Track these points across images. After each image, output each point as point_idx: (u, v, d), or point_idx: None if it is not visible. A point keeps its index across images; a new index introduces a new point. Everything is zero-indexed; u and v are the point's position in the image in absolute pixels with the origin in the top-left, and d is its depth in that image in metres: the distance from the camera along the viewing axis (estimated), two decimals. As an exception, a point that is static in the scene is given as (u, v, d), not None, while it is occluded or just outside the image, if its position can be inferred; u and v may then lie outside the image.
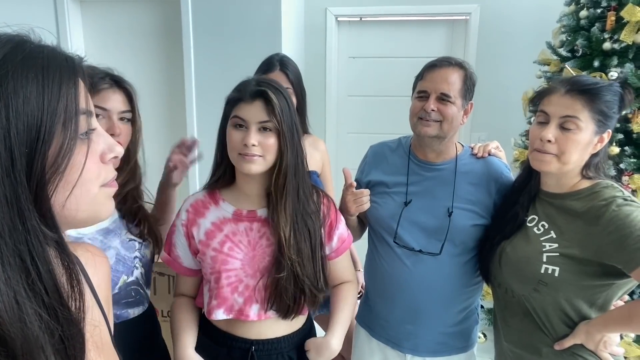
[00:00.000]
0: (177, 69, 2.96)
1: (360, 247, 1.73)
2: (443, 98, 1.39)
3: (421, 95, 1.43)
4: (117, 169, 1.21)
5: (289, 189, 1.22)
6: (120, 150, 0.63)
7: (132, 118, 1.29)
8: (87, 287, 0.71)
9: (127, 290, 1.29)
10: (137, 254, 1.34)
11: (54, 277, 0.53)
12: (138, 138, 1.33)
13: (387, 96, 3.56)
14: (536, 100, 1.32)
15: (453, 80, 1.39)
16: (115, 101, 1.24)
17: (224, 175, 1.29)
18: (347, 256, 1.41)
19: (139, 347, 1.32)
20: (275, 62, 1.85)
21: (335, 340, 1.28)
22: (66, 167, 0.53)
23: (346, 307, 1.36)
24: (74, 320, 0.55)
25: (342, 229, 1.37)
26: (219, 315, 1.24)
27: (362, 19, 3.59)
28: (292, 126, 1.21)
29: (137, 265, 1.33)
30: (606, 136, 1.24)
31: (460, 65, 1.42)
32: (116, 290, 1.24)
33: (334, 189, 2.02)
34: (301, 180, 1.25)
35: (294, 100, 1.85)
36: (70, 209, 0.57)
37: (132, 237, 1.34)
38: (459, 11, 3.40)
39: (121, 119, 1.25)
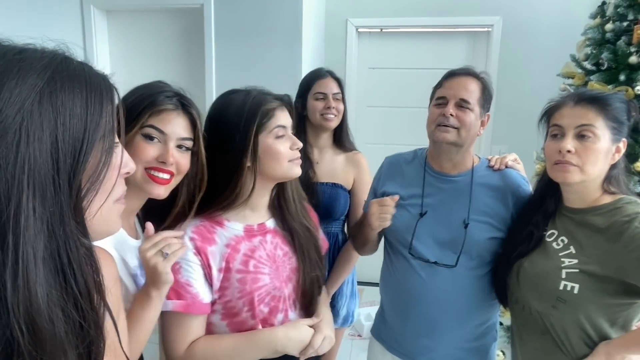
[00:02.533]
0: (199, 78, 3.00)
1: (372, 260, 1.72)
2: (462, 104, 1.38)
3: (439, 102, 1.42)
4: (166, 203, 1.14)
5: (288, 189, 1.29)
6: (132, 167, 0.65)
7: (194, 148, 1.13)
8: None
9: None
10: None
11: (87, 282, 0.55)
12: (199, 175, 1.15)
13: (407, 107, 3.56)
14: (546, 118, 1.32)
15: (472, 89, 1.39)
16: (176, 126, 1.08)
17: (247, 193, 1.19)
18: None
19: None
20: (325, 71, 1.95)
21: (327, 326, 1.29)
22: (103, 180, 0.56)
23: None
24: (99, 324, 0.57)
25: (320, 231, 1.42)
26: (259, 326, 1.21)
27: (383, 30, 3.60)
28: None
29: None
30: (622, 145, 1.23)
31: (478, 75, 1.43)
32: None
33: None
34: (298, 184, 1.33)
35: (342, 107, 1.94)
36: (95, 221, 0.59)
37: None
38: (480, 23, 3.39)
39: (179, 146, 1.10)
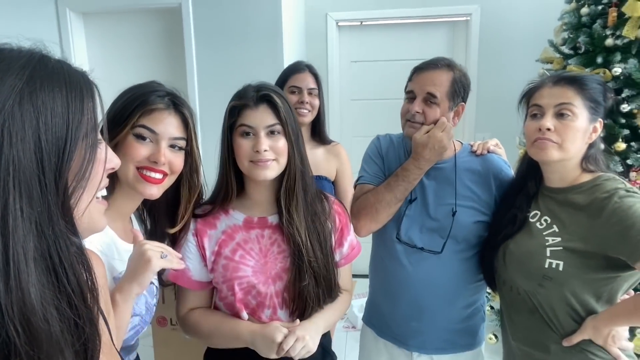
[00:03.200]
0: (180, 78, 2.98)
1: (364, 252, 1.72)
2: (429, 99, 1.39)
3: (409, 96, 1.44)
4: (158, 202, 1.16)
5: (299, 191, 1.22)
6: (117, 162, 0.66)
7: (188, 148, 1.13)
8: None
9: (137, 340, 1.21)
10: (154, 300, 1.22)
11: (79, 280, 0.56)
12: (194, 175, 1.17)
13: (390, 99, 3.57)
14: (525, 99, 1.35)
15: (440, 82, 1.39)
16: (168, 125, 1.08)
17: (233, 189, 1.23)
18: (350, 265, 1.40)
19: None
20: (303, 65, 1.95)
21: (302, 330, 1.16)
22: (89, 177, 0.57)
23: (337, 311, 1.32)
24: (94, 321, 0.58)
25: (352, 235, 1.37)
26: (244, 315, 1.22)
27: (363, 23, 3.61)
28: (295, 128, 1.21)
29: (153, 312, 1.21)
30: (599, 125, 1.26)
31: (448, 66, 1.42)
32: (133, 342, 1.15)
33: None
34: (308, 182, 1.26)
35: (318, 102, 1.91)
36: (83, 219, 0.59)
37: (152, 279, 1.20)
38: (459, 12, 3.42)
39: (172, 146, 1.09)
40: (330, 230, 1.28)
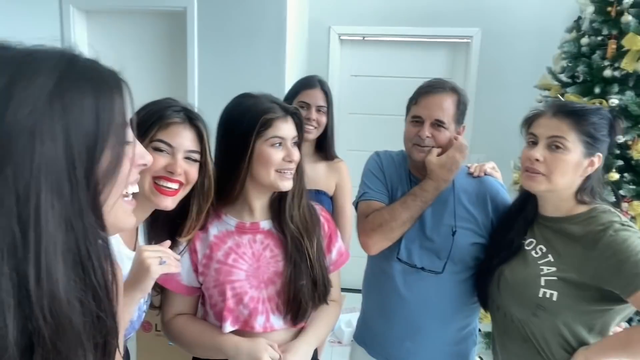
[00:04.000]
0: (181, 81, 2.97)
1: (352, 267, 1.71)
2: (437, 124, 1.40)
3: (416, 120, 1.45)
4: (174, 216, 1.19)
5: (304, 194, 1.30)
6: (149, 159, 0.67)
7: (202, 160, 1.17)
8: None
9: (125, 346, 1.21)
10: (145, 307, 1.24)
11: (104, 274, 0.57)
12: (207, 185, 1.20)
13: (388, 115, 3.59)
14: (526, 125, 1.35)
15: (447, 106, 1.41)
16: (184, 138, 1.13)
17: (240, 194, 1.25)
18: (339, 273, 1.43)
19: None
20: (316, 81, 1.94)
21: (293, 355, 1.21)
22: (119, 173, 0.58)
23: (327, 324, 1.36)
24: (115, 316, 0.60)
25: (340, 243, 1.41)
26: (227, 327, 1.21)
27: (365, 39, 3.63)
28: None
29: (142, 319, 1.23)
30: (596, 160, 1.26)
31: (453, 89, 1.44)
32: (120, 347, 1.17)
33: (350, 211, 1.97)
34: (304, 188, 1.32)
35: (325, 120, 1.93)
36: (111, 215, 0.61)
37: None
38: (460, 34, 3.46)
39: (187, 158, 1.13)
40: (321, 234, 1.32)
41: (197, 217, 1.22)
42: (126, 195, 0.66)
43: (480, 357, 2.55)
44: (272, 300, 1.24)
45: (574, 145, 1.22)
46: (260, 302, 1.23)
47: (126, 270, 1.11)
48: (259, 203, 1.28)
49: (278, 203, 1.28)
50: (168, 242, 1.14)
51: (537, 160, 1.24)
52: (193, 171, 1.15)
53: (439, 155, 1.40)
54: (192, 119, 1.16)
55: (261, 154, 1.20)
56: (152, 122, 1.11)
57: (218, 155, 1.26)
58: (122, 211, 0.64)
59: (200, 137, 1.16)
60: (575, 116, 1.24)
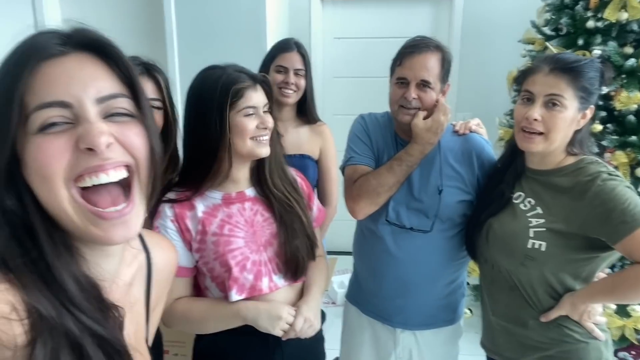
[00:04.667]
0: (160, 56, 2.89)
1: (343, 230, 1.74)
2: (423, 84, 1.39)
3: (401, 81, 1.43)
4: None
5: (282, 160, 1.33)
6: (98, 142, 0.56)
7: (164, 108, 1.22)
8: (143, 279, 0.77)
9: None
10: None
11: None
12: (172, 130, 1.25)
13: (373, 77, 3.54)
14: (520, 80, 1.34)
15: (432, 66, 1.39)
16: (144, 88, 1.17)
17: (225, 170, 1.23)
18: (319, 230, 1.50)
19: None
20: (292, 44, 1.90)
21: (308, 310, 1.25)
22: (28, 163, 0.56)
23: (324, 277, 1.41)
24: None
25: (317, 201, 1.47)
26: (233, 297, 1.21)
27: (347, -1, 3.55)
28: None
29: None
30: (589, 112, 1.26)
31: (437, 47, 1.42)
32: None
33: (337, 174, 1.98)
34: (281, 152, 1.36)
35: (304, 83, 1.89)
36: (51, 213, 0.59)
37: None
38: (443, -10, 3.39)
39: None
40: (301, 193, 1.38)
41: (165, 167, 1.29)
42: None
43: (469, 309, 2.64)
44: (272, 260, 1.27)
45: (571, 102, 1.22)
46: (262, 264, 1.25)
47: None
48: (241, 173, 1.28)
49: (257, 170, 1.30)
50: None
51: (536, 120, 1.23)
52: (156, 118, 1.21)
53: (425, 118, 1.40)
54: (150, 70, 1.22)
55: (236, 125, 1.19)
56: None
57: (190, 132, 1.23)
58: (82, 214, 0.59)
59: (159, 86, 1.22)
60: (572, 72, 1.22)
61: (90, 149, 0.57)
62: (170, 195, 1.25)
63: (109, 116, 0.60)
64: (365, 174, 1.47)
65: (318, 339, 1.41)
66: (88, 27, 0.63)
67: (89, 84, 0.59)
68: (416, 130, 1.40)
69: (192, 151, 1.25)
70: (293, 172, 1.41)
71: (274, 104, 1.86)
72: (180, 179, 1.29)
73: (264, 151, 1.24)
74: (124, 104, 0.62)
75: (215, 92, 1.18)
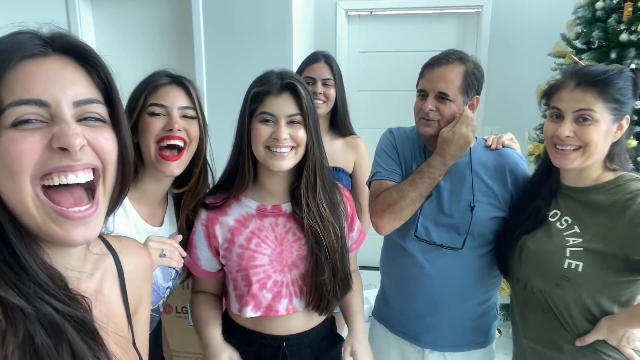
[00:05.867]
0: (188, 66, 2.95)
1: (369, 244, 1.71)
2: (441, 97, 1.37)
3: (421, 94, 1.43)
4: (185, 174, 1.23)
5: (319, 183, 1.22)
6: (73, 142, 0.58)
7: (197, 116, 1.21)
8: (114, 280, 0.76)
9: None
10: (170, 284, 1.29)
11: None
12: (204, 139, 1.24)
13: (398, 91, 3.54)
14: (547, 96, 1.31)
15: (451, 78, 1.37)
16: (174, 97, 1.17)
17: (250, 177, 1.23)
18: (355, 254, 1.46)
19: None
20: (320, 55, 1.93)
21: (363, 337, 1.31)
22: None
23: (361, 303, 1.40)
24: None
25: (358, 223, 1.40)
26: (248, 313, 1.21)
27: (373, 13, 3.57)
28: (315, 119, 1.20)
29: (165, 295, 1.28)
30: (625, 122, 1.22)
31: (460, 60, 1.39)
32: None
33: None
34: (326, 173, 1.26)
35: (334, 93, 1.89)
36: (13, 209, 0.59)
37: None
38: (470, 3, 3.38)
39: (183, 116, 1.18)
40: (344, 222, 1.29)
41: (189, 197, 1.27)
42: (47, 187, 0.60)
43: (498, 330, 2.56)
44: (296, 283, 1.23)
45: (602, 115, 1.18)
46: (284, 285, 1.23)
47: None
48: (275, 186, 1.25)
49: (297, 190, 1.23)
50: (179, 237, 1.19)
51: (568, 137, 1.20)
52: (192, 128, 1.19)
53: (434, 130, 1.38)
54: (178, 79, 1.21)
55: (253, 131, 1.18)
56: (141, 90, 1.17)
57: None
58: (45, 214, 0.60)
59: (190, 94, 1.20)
60: (600, 85, 1.18)
61: (63, 149, 0.58)
62: (208, 199, 1.27)
63: (82, 120, 0.62)
64: (388, 188, 1.45)
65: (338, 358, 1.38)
66: (68, 32, 0.65)
67: (67, 87, 0.61)
68: (440, 140, 1.38)
69: (230, 154, 1.25)
70: (342, 190, 1.33)
71: None
72: (220, 182, 1.29)
73: (278, 164, 1.16)
74: (98, 109, 0.64)
75: (246, 95, 1.20)
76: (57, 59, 0.62)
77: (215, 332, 1.26)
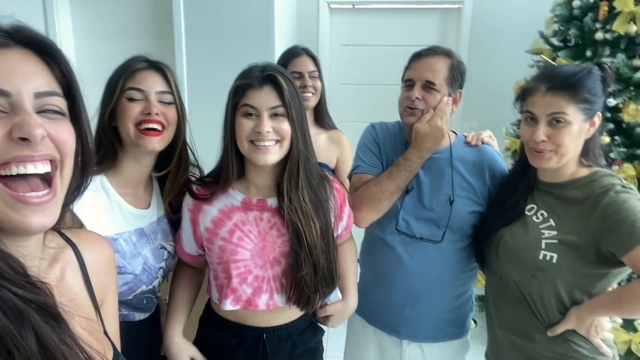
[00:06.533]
0: (168, 56, 2.90)
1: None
2: (428, 86, 1.39)
3: (408, 84, 1.44)
4: (162, 158, 1.25)
5: (303, 177, 1.20)
6: (35, 133, 0.58)
7: (174, 101, 1.22)
8: (77, 271, 0.76)
9: (140, 298, 1.26)
10: (163, 264, 1.30)
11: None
12: (182, 123, 1.26)
13: (380, 84, 3.55)
14: (521, 99, 1.34)
15: (438, 69, 1.39)
16: (152, 81, 1.19)
17: (233, 171, 1.22)
18: (352, 240, 1.50)
19: (139, 349, 1.28)
20: (300, 49, 1.93)
21: (353, 300, 1.39)
22: None
23: (353, 266, 1.44)
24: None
25: (347, 209, 1.39)
26: (227, 306, 1.22)
27: (355, 7, 3.56)
28: (300, 111, 1.18)
29: (159, 275, 1.29)
30: (597, 119, 1.26)
31: (446, 53, 1.43)
32: (130, 297, 1.21)
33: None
34: (312, 167, 1.23)
35: (320, 84, 1.91)
36: None
37: (164, 244, 1.31)
38: (452, 0, 3.39)
39: (160, 101, 1.20)
40: (331, 217, 1.28)
41: (172, 181, 1.28)
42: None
43: (474, 320, 2.60)
44: (277, 279, 1.23)
45: (574, 117, 1.21)
46: (264, 281, 1.22)
47: (132, 225, 1.22)
48: (261, 180, 1.24)
49: (282, 182, 1.22)
50: None
51: (543, 140, 1.23)
52: (170, 112, 1.21)
53: (429, 121, 1.39)
54: (155, 64, 1.22)
55: (236, 125, 1.17)
56: (118, 75, 1.18)
57: None
58: (6, 200, 0.59)
59: (167, 79, 1.22)
60: (570, 88, 1.21)
61: (24, 139, 0.59)
62: (196, 187, 1.27)
63: (42, 112, 0.62)
64: (366, 181, 1.46)
65: (316, 350, 1.41)
66: (27, 25, 0.66)
67: (28, 79, 0.61)
68: (415, 134, 1.40)
69: (223, 149, 1.25)
70: (331, 182, 1.31)
71: None
72: (210, 174, 1.30)
73: (262, 158, 1.14)
74: (58, 102, 0.65)
75: (230, 89, 1.20)
76: (19, 51, 0.63)
77: (174, 331, 1.29)
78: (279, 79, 1.14)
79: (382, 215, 1.46)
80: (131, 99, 1.17)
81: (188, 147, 1.32)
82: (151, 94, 1.18)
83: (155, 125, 1.17)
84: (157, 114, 1.17)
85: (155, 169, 1.30)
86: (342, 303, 1.34)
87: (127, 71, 1.18)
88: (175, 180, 1.29)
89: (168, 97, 1.21)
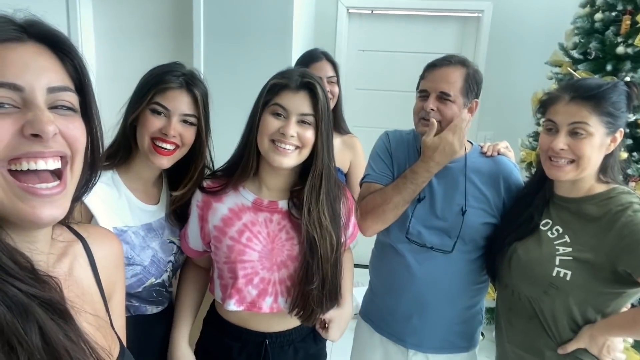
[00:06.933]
0: (187, 58, 2.92)
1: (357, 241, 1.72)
2: (443, 97, 1.38)
3: (422, 94, 1.43)
4: (177, 173, 1.28)
5: (325, 191, 1.20)
6: (47, 129, 0.58)
7: (198, 124, 1.22)
8: (86, 265, 0.76)
9: (150, 290, 1.27)
10: (172, 258, 1.31)
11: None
12: (202, 145, 1.26)
13: (396, 91, 3.55)
14: (542, 108, 1.32)
15: (453, 79, 1.38)
16: (179, 102, 1.19)
17: (252, 166, 1.21)
18: (350, 251, 1.46)
19: (152, 343, 1.31)
20: (319, 53, 1.91)
21: (348, 306, 1.34)
22: None
23: (349, 274, 1.41)
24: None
25: (354, 219, 1.39)
26: (230, 306, 1.21)
27: (374, 12, 3.57)
28: (328, 125, 1.19)
29: (168, 269, 1.30)
30: (618, 135, 1.24)
31: (461, 63, 1.41)
32: (140, 289, 1.22)
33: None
34: (333, 180, 1.24)
35: (338, 90, 1.90)
36: None
37: (173, 239, 1.32)
38: (471, 8, 3.39)
39: (183, 121, 1.20)
40: (342, 234, 1.27)
41: (192, 175, 1.28)
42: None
43: (481, 333, 2.59)
44: (283, 283, 1.22)
45: (596, 129, 1.20)
46: (270, 283, 1.22)
47: (141, 221, 1.24)
48: (274, 183, 1.24)
49: (298, 192, 1.22)
50: None
51: (562, 149, 1.22)
52: (188, 134, 1.21)
53: (436, 133, 1.38)
54: (189, 85, 1.20)
55: (262, 122, 1.17)
56: (150, 85, 1.19)
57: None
58: (12, 191, 0.59)
59: (196, 102, 1.21)
60: (594, 99, 1.20)
61: (36, 135, 0.58)
62: (207, 182, 1.27)
63: (53, 107, 0.62)
64: (374, 191, 1.46)
65: (319, 357, 1.41)
66: (41, 20, 0.65)
67: (42, 73, 0.61)
68: (424, 147, 1.38)
69: (239, 143, 1.25)
70: (346, 193, 1.32)
71: None
72: (223, 168, 1.30)
73: (279, 160, 1.15)
74: (70, 98, 0.65)
75: (264, 86, 1.20)
76: (32, 46, 0.62)
77: (180, 336, 1.30)
78: (317, 88, 1.15)
79: (390, 224, 1.45)
80: (154, 112, 1.18)
81: (207, 168, 1.33)
82: (175, 115, 1.18)
83: (168, 146, 1.19)
84: (174, 135, 1.18)
85: (170, 187, 1.34)
86: (336, 309, 1.31)
87: (160, 85, 1.18)
88: (184, 194, 1.29)
89: (191, 119, 1.22)
